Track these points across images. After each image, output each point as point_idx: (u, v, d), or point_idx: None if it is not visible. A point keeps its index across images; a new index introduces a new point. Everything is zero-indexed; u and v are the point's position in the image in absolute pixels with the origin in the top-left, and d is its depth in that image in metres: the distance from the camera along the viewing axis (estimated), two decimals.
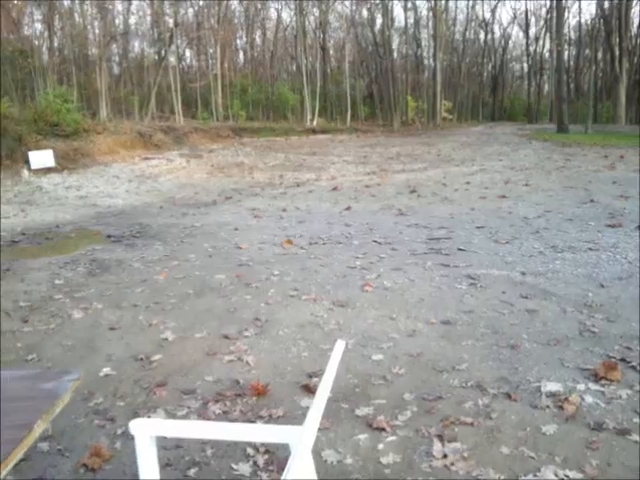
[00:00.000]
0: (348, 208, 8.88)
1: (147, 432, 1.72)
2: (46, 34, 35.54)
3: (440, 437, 2.49)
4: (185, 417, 2.74)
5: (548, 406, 2.72)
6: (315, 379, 3.08)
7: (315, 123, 34.98)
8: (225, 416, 2.75)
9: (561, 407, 2.70)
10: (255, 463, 2.36)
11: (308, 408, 2.75)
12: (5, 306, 4.55)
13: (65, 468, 2.41)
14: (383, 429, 2.58)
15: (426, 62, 48.95)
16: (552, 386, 2.91)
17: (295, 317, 4.08)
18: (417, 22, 46.56)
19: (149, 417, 2.72)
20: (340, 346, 1.73)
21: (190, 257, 5.99)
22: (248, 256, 5.96)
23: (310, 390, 2.94)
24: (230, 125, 28.00)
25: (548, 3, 42.85)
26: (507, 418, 2.64)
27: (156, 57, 38.37)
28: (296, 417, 2.67)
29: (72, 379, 1.90)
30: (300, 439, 1.50)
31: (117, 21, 39.84)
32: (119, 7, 39.44)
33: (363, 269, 5.31)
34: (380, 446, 2.46)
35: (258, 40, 48.92)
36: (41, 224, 8.46)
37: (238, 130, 25.65)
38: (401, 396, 2.89)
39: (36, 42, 35.63)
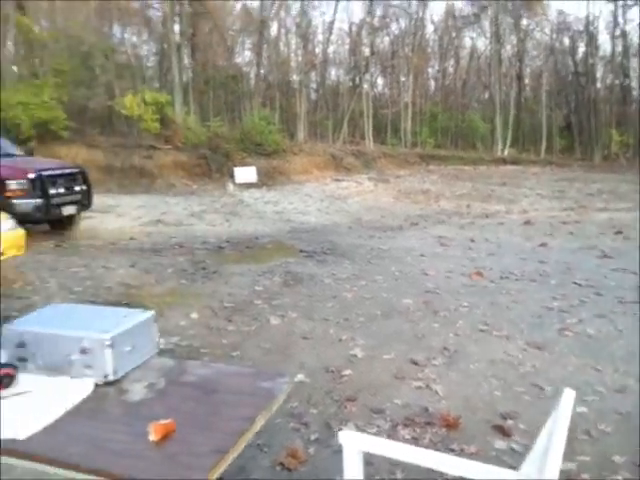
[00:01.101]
0: (543, 244, 8.34)
1: (356, 445, 1.75)
2: (254, 61, 39.21)
3: None
4: (376, 436, 2.76)
5: None
6: (509, 421, 2.91)
7: (506, 153, 33.66)
8: (414, 442, 2.71)
9: None
10: None
11: (502, 450, 2.62)
12: (212, 305, 5.05)
13: (264, 463, 2.57)
14: None
15: (635, 93, 44.44)
16: None
17: (486, 353, 3.92)
18: (626, 50, 42.54)
19: (340, 429, 2.78)
20: (569, 396, 1.58)
21: (377, 278, 6.09)
22: (435, 283, 5.89)
23: (504, 432, 2.79)
24: (418, 152, 28.19)
25: None
26: None
27: (350, 84, 40.12)
28: (490, 457, 2.54)
29: (286, 381, 2.02)
30: None
31: (317, 50, 42.45)
32: (319, 37, 42.03)
33: (561, 311, 4.93)
34: None
35: (450, 68, 48.66)
36: (242, 234, 9.26)
37: (425, 157, 25.73)
38: (609, 457, 2.60)
39: (245, 69, 39.50)
